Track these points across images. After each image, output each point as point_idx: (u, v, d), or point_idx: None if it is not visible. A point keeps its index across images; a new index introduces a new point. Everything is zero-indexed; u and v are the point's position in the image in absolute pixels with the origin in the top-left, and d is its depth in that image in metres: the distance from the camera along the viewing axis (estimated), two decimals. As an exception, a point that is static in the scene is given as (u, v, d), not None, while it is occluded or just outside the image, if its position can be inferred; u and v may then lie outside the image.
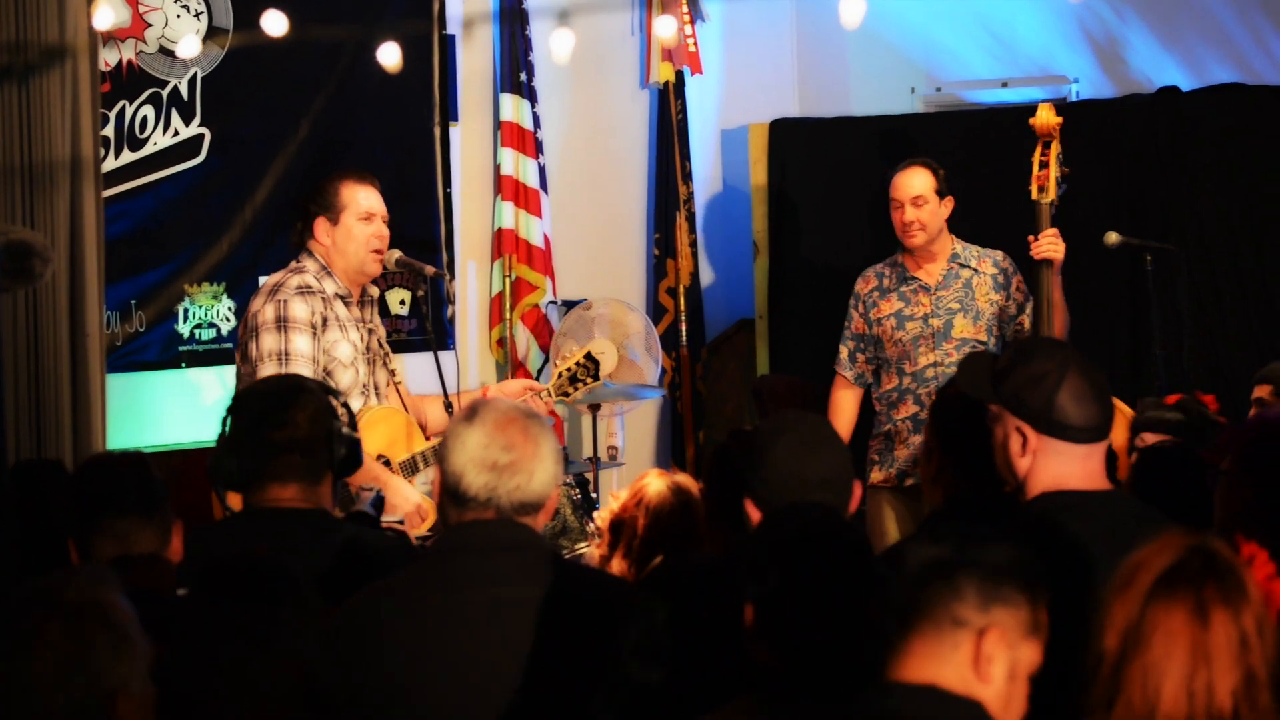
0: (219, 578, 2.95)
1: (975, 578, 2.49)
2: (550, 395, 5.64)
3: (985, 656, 2.47)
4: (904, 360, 6.26)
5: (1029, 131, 5.98)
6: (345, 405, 3.90)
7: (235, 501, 3.85)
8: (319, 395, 3.81)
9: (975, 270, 6.22)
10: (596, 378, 5.67)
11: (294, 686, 2.86)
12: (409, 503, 5.20)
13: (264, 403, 3.79)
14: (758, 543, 2.92)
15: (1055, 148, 5.91)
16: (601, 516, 4.22)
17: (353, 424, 3.88)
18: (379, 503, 4.24)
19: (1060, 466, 3.31)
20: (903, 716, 2.47)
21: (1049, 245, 5.83)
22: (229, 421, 3.80)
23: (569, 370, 5.64)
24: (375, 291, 5.61)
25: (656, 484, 4.08)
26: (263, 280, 5.38)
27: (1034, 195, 5.89)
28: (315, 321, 5.21)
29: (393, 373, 5.54)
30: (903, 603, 2.52)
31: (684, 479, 4.13)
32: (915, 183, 6.14)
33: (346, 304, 5.36)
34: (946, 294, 6.19)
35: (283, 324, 5.16)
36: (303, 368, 5.11)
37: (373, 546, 3.74)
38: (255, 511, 3.73)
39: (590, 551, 5.10)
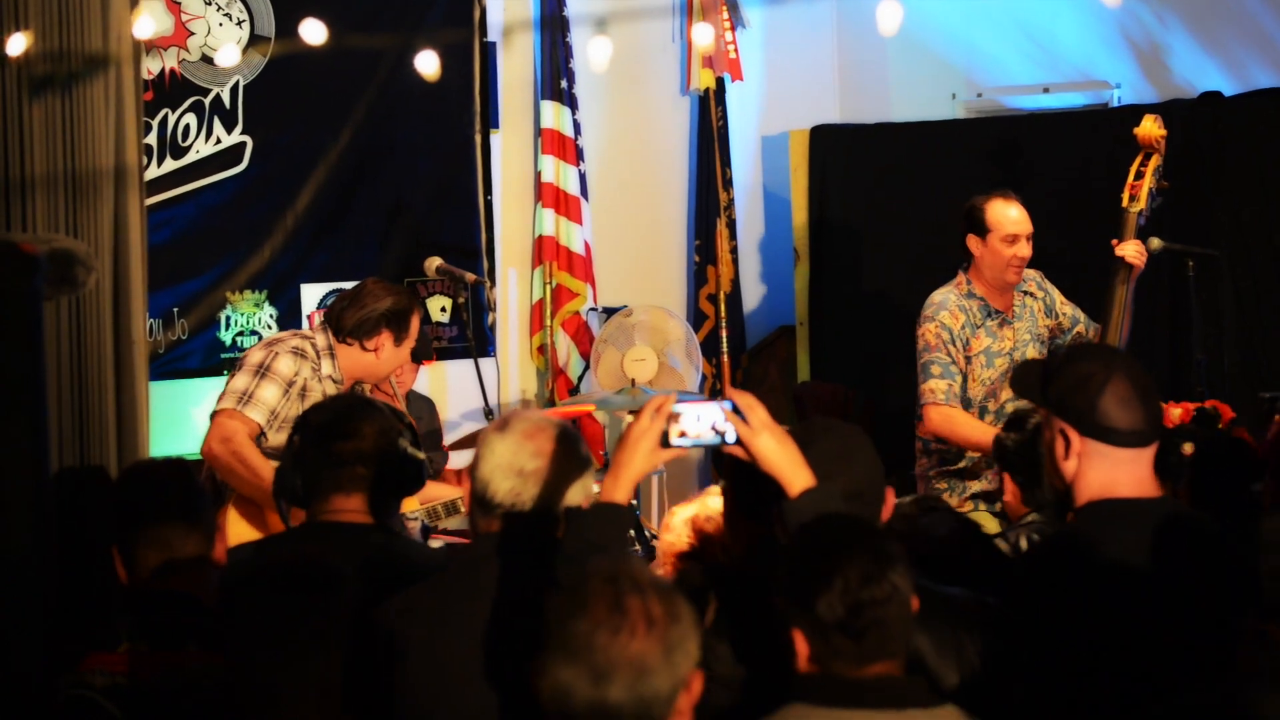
0: (266, 578, 2.93)
1: None
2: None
3: None
4: (989, 399, 5.91)
5: (1070, 136, 5.93)
6: (410, 427, 3.86)
7: (300, 519, 3.85)
8: (385, 413, 3.80)
9: (1032, 295, 6.03)
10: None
11: (338, 683, 2.85)
12: None
13: (331, 416, 3.78)
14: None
15: (1155, 160, 5.81)
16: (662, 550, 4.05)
17: (415, 444, 3.84)
18: (426, 531, 4.22)
19: (1107, 472, 3.19)
20: None
21: (1135, 251, 5.73)
22: (295, 439, 3.79)
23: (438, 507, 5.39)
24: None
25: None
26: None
27: (1124, 203, 5.80)
28: (296, 381, 5.09)
29: None
30: None
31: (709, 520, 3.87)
32: (1026, 218, 5.84)
33: (337, 384, 5.20)
34: (1021, 325, 5.96)
35: (261, 370, 5.06)
36: (257, 415, 5.02)
37: (413, 557, 3.72)
38: (315, 525, 3.71)
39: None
